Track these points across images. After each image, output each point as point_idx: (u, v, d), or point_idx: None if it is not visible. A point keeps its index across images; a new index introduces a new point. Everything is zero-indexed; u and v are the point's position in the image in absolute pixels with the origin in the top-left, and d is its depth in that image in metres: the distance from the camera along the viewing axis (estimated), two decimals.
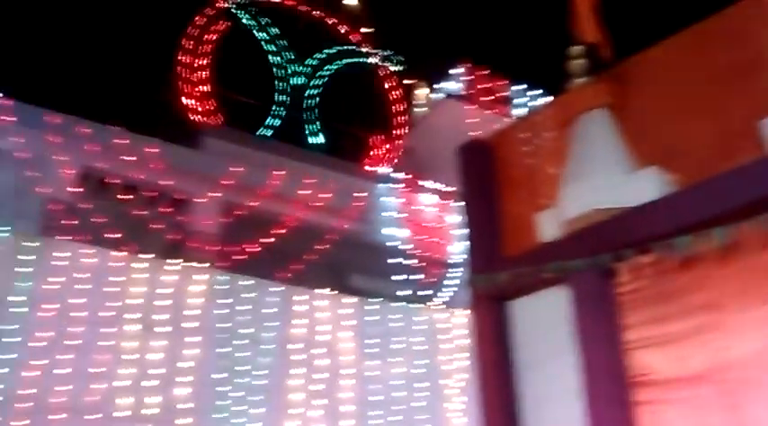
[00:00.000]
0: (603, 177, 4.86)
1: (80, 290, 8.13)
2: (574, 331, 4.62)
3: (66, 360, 7.76)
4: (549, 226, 5.11)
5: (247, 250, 13.46)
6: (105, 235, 10.01)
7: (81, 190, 13.85)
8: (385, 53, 16.97)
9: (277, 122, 15.88)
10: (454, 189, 15.28)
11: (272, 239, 13.96)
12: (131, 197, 14.22)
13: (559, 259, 4.72)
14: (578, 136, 5.17)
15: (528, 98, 15.57)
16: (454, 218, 14.19)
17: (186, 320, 8.67)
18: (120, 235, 10.42)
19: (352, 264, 13.06)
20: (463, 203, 5.97)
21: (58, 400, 7.58)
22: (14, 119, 13.02)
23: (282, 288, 9.56)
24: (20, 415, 7.33)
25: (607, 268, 4.58)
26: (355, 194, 15.15)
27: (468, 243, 5.82)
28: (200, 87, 15.32)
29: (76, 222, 12.25)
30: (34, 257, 8.07)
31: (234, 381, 8.60)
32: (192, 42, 15.40)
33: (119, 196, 14.20)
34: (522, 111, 14.45)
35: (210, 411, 8.37)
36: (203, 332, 8.66)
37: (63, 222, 12.21)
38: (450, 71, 16.11)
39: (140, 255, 8.81)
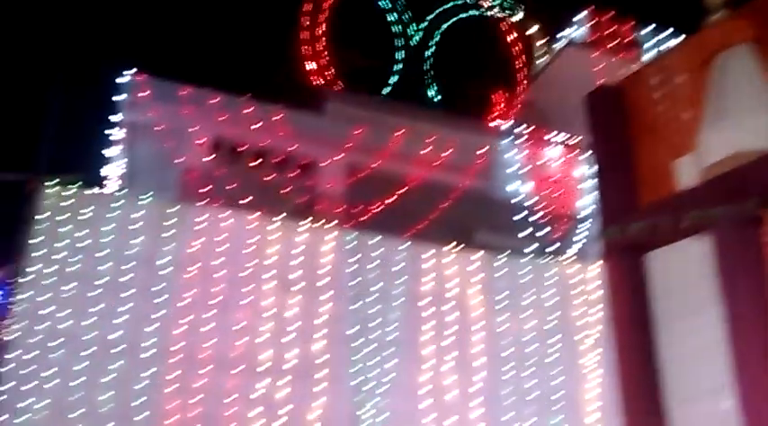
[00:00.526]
0: (747, 118, 4.56)
1: (219, 252, 8.57)
2: (717, 283, 4.40)
3: (210, 317, 8.25)
4: (687, 173, 4.87)
5: (373, 209, 13.71)
6: (238, 200, 10.49)
7: (214, 157, 14.58)
8: (504, 4, 16.53)
9: (397, 82, 15.92)
10: (580, 139, 14.83)
11: (397, 198, 14.14)
12: (261, 162, 14.83)
13: (700, 207, 4.49)
14: (717, 75, 4.85)
15: (657, 40, 14.74)
16: (581, 170, 13.77)
17: (319, 278, 8.96)
18: (251, 199, 10.90)
19: (477, 220, 13.00)
20: (592, 153, 5.78)
21: (204, 354, 8.09)
22: (150, 93, 13.81)
23: (409, 245, 9.66)
24: (173, 367, 7.90)
25: (753, 215, 4.32)
26: (478, 150, 14.99)
27: (598, 194, 5.64)
28: (322, 53, 15.59)
29: (211, 188, 12.92)
30: (176, 222, 8.55)
31: (366, 336, 8.84)
32: (311, 9, 15.65)
33: (249, 162, 14.84)
34: (652, 54, 13.69)
35: (345, 364, 8.67)
36: (335, 290, 8.94)
37: (199, 189, 12.91)
38: (573, 18, 15.50)
39: (273, 218, 9.14)
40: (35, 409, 7.19)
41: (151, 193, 8.65)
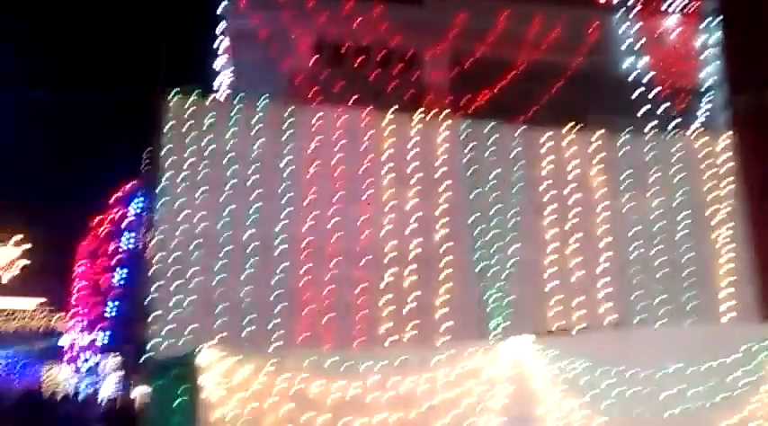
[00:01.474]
0: None
1: (336, 150, 8.71)
2: None
3: (334, 213, 8.49)
4: None
5: (483, 97, 13.47)
6: (346, 100, 10.56)
7: (318, 59, 14.65)
8: None
9: None
10: (698, 5, 13.78)
11: (507, 83, 13.79)
12: (365, 60, 14.77)
13: None
14: None
15: None
16: (702, 39, 12.86)
17: (435, 169, 8.98)
18: (359, 98, 10.94)
19: (594, 100, 12.56)
20: (719, 19, 5.33)
21: (332, 248, 8.39)
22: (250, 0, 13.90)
23: (525, 130, 9.45)
24: (303, 261, 8.27)
25: None
26: (588, 26, 14.26)
27: (725, 62, 5.24)
28: None
29: (318, 90, 13.05)
30: (292, 123, 8.70)
31: (487, 223, 8.87)
32: None
33: (353, 61, 14.82)
34: None
35: (467, 251, 8.78)
36: (452, 179, 8.94)
37: (306, 92, 13.07)
38: None
39: (384, 114, 9.14)
40: (184, 304, 7.73)
41: (266, 97, 8.81)
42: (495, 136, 9.34)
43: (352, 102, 10.45)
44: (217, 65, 13.72)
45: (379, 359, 6.93)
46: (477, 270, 8.83)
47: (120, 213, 11.62)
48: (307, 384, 6.59)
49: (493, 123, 9.43)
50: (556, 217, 9.21)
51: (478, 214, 8.89)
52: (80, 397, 19.84)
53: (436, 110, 10.02)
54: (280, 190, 8.40)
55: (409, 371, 6.89)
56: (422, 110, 9.72)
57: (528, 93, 13.29)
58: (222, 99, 9.06)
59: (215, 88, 11.16)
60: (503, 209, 9.06)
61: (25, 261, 33.07)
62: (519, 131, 9.46)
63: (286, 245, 8.26)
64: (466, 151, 9.18)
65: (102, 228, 10.62)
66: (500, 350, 7.12)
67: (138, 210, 8.74)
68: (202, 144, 8.23)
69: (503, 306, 8.74)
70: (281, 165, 8.45)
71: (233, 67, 14.25)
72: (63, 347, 35.69)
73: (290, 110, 8.77)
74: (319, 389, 6.62)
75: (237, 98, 8.85)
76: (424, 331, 8.36)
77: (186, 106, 8.36)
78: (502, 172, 9.19)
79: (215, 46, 13.92)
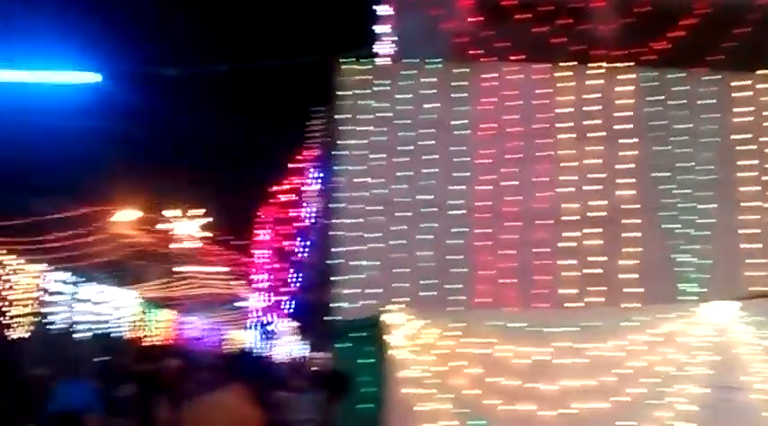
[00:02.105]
0: None
1: (511, 108, 8.46)
2: None
3: (511, 173, 8.28)
4: None
5: (661, 44, 12.55)
6: (514, 56, 10.20)
7: (482, 18, 14.31)
8: None
9: None
10: None
11: (686, 29, 12.74)
12: (530, 16, 14.24)
13: None
14: None
15: None
16: None
17: (617, 122, 8.49)
18: (526, 54, 10.53)
19: None
20: None
21: (510, 209, 8.20)
22: None
23: (716, 76, 8.69)
24: (481, 223, 8.15)
25: None
26: None
27: None
28: None
29: (484, 49, 12.73)
30: (465, 84, 8.55)
31: (677, 178, 8.29)
32: None
33: (518, 16, 14.33)
34: None
35: (656, 209, 8.27)
36: (638, 133, 8.42)
37: (472, 51, 12.80)
38: None
39: (557, 68, 8.74)
40: (366, 267, 7.89)
41: (438, 60, 8.71)
42: (679, 86, 8.68)
43: (519, 59, 10.08)
44: (381, 30, 13.78)
45: (565, 323, 6.69)
46: (664, 230, 8.29)
47: (299, 181, 12.16)
48: (493, 347, 6.49)
49: (676, 72, 8.75)
50: (752, 171, 8.44)
51: (668, 173, 8.31)
52: (265, 361, 21.09)
53: (611, 62, 9.45)
54: (455, 153, 8.30)
55: (597, 337, 6.60)
56: (595, 62, 9.20)
57: (711, 40, 12.21)
58: (393, 64, 9.03)
59: (384, 54, 11.19)
60: (691, 164, 8.43)
61: (207, 233, 35.59)
62: (706, 79, 8.72)
63: (463, 209, 8.17)
64: (648, 103, 8.60)
65: (282, 197, 11.18)
66: (699, 315, 6.64)
67: (318, 178, 9.07)
68: (377, 109, 8.28)
69: (694, 270, 8.17)
70: (455, 128, 8.34)
71: (397, 32, 14.24)
72: (247, 311, 38.29)
73: (461, 71, 8.61)
74: (505, 353, 6.50)
75: (409, 62, 8.78)
76: (609, 295, 8.00)
77: (360, 73, 8.44)
78: (688, 123, 8.54)
79: (378, 11, 13.97)
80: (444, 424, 6.54)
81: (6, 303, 20.52)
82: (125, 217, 30.46)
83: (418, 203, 8.15)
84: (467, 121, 8.39)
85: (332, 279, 8.17)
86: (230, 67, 8.36)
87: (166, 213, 34.47)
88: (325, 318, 8.54)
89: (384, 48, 13.19)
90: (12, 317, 20.87)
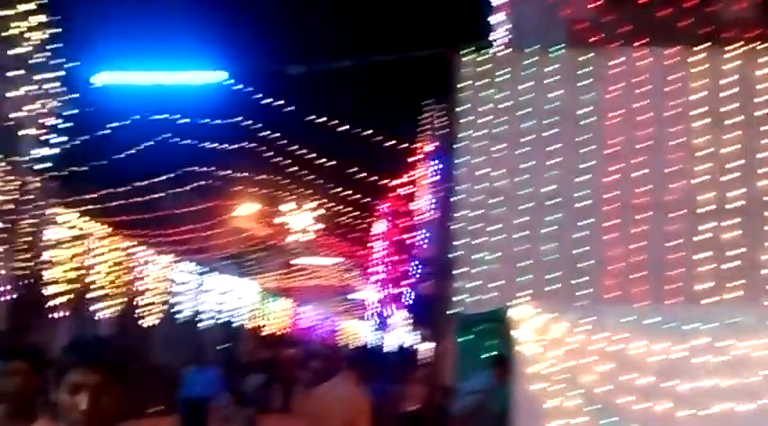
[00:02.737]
0: None
1: (640, 94, 8.09)
2: None
3: (641, 163, 7.92)
4: None
5: None
6: (636, 41, 9.74)
7: (601, 3, 13.79)
8: None
9: None
10: None
11: None
12: None
13: None
14: None
15: None
16: None
17: (758, 107, 7.94)
18: (650, 39, 10.03)
19: None
20: None
21: (640, 200, 7.85)
22: None
23: None
24: (609, 215, 7.84)
25: None
26: None
27: None
28: None
29: (605, 34, 12.24)
30: (590, 70, 8.25)
31: None
32: None
33: (640, 0, 13.70)
34: None
35: None
36: None
37: (592, 37, 12.36)
38: None
39: (688, 51, 8.25)
40: (488, 260, 7.76)
41: (562, 46, 8.44)
42: None
43: (643, 44, 9.61)
44: (497, 19, 13.55)
45: (703, 319, 6.32)
46: None
47: (417, 174, 12.15)
48: (626, 343, 6.22)
49: None
50: None
51: None
52: (381, 352, 21.36)
53: (748, 44, 8.84)
54: (580, 142, 8.02)
55: (739, 334, 6.20)
56: (732, 46, 8.63)
57: None
58: (513, 53, 8.84)
59: (502, 42, 10.98)
60: None
61: (320, 225, 36.32)
62: None
63: (590, 200, 7.89)
64: None
65: (400, 190, 11.21)
66: None
67: (437, 170, 9.03)
68: (498, 99, 8.12)
69: None
70: (581, 115, 8.05)
71: (513, 21, 13.97)
72: (362, 303, 38.90)
73: (586, 57, 8.30)
74: (639, 350, 6.21)
75: (530, 50, 8.56)
76: (749, 290, 7.51)
77: (480, 62, 8.31)
78: None
79: (493, 0, 13.74)
80: (574, 421, 6.35)
81: (139, 293, 21.75)
82: (245, 210, 31.60)
83: (542, 195, 7.93)
84: (593, 109, 8.08)
85: (452, 272, 8.10)
86: (352, 63, 8.41)
87: (283, 207, 35.48)
88: (444, 311, 8.47)
89: (500, 38, 12.97)
90: (144, 306, 22.10)
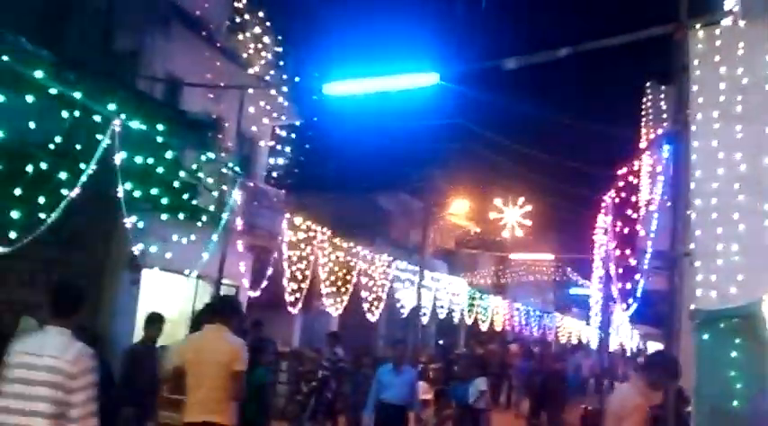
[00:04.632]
0: None
1: None
2: None
3: None
4: None
5: None
6: None
7: None
8: None
9: None
10: None
11: None
12: None
13: None
14: None
15: None
16: None
17: None
18: None
19: None
20: None
21: None
22: None
23: None
24: None
25: None
26: None
27: None
28: None
29: None
30: None
31: None
32: None
33: None
34: None
35: None
36: None
37: None
38: None
39: None
40: (731, 251, 7.14)
41: None
42: None
43: None
44: None
45: None
46: None
47: (644, 162, 11.52)
48: None
49: None
50: None
51: None
52: (601, 348, 20.55)
53: None
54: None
55: None
56: None
57: None
58: (746, 24, 8.05)
59: (730, 14, 10.07)
60: None
61: (534, 221, 35.79)
62: None
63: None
64: None
65: (626, 179, 10.68)
66: None
67: (667, 157, 8.44)
68: (735, 76, 7.44)
69: None
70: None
71: None
72: (581, 299, 37.82)
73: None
74: None
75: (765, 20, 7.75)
76: None
77: (711, 38, 7.67)
78: None
79: None
80: None
81: (365, 289, 22.84)
82: (458, 208, 31.99)
83: None
84: None
85: (688, 265, 7.57)
86: (573, 50, 8.14)
87: (496, 202, 35.43)
88: (675, 308, 7.94)
89: (728, 9, 11.87)
90: (370, 302, 23.19)
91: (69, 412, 4.73)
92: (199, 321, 8.79)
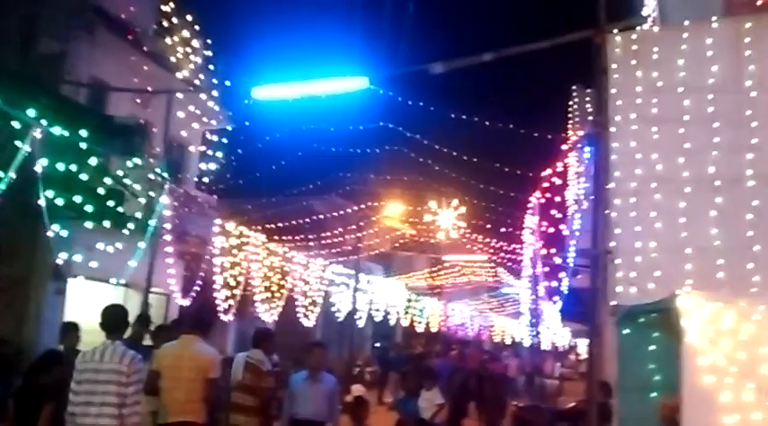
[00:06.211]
0: None
1: None
2: None
3: None
4: None
5: None
6: None
7: None
8: None
9: None
10: None
11: None
12: None
13: None
14: None
15: None
16: None
17: None
18: None
19: None
20: None
21: None
22: None
23: None
24: None
25: None
26: None
27: None
28: None
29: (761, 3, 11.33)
30: (751, 41, 7.69)
31: None
32: None
33: None
34: None
35: None
36: None
37: (744, 6, 11.47)
38: None
39: None
40: (647, 249, 7.42)
41: (716, 18, 7.92)
42: None
43: None
44: None
45: None
46: None
47: (566, 163, 11.85)
48: None
49: None
50: None
51: None
52: (532, 347, 20.92)
53: None
54: (745, 118, 7.49)
55: None
56: None
57: None
58: (663, 28, 8.39)
59: (647, 19, 10.47)
60: None
61: (468, 222, 36.23)
62: None
63: (754, 181, 7.35)
64: None
65: (548, 181, 10.97)
66: None
67: (587, 158, 8.74)
68: (652, 78, 7.76)
69: None
70: (746, 90, 7.52)
71: None
72: (512, 298, 38.48)
73: (747, 26, 7.74)
74: None
75: (682, 26, 8.09)
76: None
77: (629, 42, 7.97)
78: None
79: None
80: (748, 415, 5.97)
81: (301, 294, 22.72)
82: (393, 211, 32.17)
83: (705, 177, 7.48)
84: (754, 83, 7.52)
85: (609, 262, 7.82)
86: (497, 55, 8.32)
87: (430, 204, 35.77)
88: (600, 304, 8.18)
89: (647, 11, 12.31)
90: (305, 307, 23.06)
91: (125, 400, 6.49)
92: (166, 330, 10.25)
